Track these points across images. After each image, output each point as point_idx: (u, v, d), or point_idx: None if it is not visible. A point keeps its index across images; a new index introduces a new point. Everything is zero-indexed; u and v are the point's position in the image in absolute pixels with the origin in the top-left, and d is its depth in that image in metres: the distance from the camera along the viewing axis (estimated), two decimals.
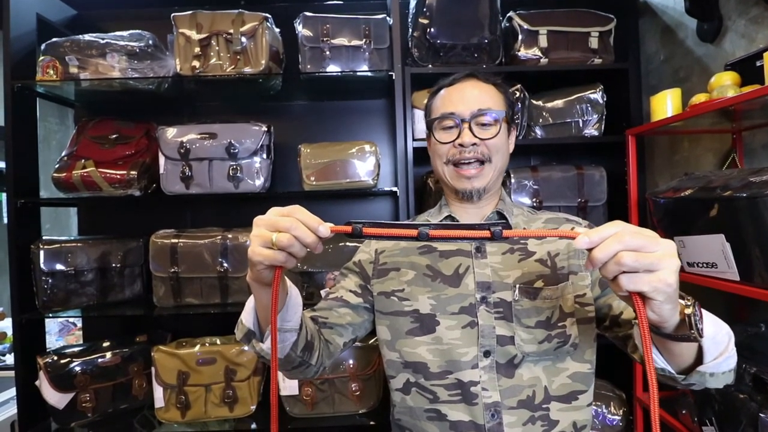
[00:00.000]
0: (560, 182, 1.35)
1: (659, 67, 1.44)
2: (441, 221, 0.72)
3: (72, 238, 1.38)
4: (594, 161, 1.42)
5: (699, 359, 0.48)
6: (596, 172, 1.36)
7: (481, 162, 0.68)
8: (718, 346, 0.48)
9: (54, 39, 1.36)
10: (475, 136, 0.66)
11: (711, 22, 1.18)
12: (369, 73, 1.31)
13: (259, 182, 1.32)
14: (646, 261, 0.38)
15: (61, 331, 2.14)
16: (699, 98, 1.02)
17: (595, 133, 1.38)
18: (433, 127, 0.69)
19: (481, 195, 0.69)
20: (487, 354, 0.62)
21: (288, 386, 1.31)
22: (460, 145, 0.66)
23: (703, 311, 0.46)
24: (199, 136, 1.30)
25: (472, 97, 0.68)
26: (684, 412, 0.98)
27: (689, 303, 0.43)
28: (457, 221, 0.70)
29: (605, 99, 1.39)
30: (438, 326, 0.64)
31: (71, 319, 2.04)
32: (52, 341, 2.04)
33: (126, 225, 1.52)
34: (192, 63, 1.28)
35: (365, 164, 1.32)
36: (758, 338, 0.92)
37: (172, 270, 1.32)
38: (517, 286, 0.64)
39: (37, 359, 1.28)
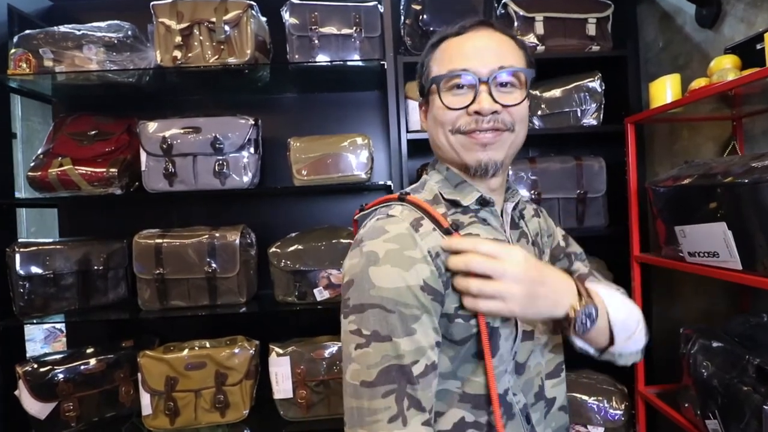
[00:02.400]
0: (559, 173, 1.31)
1: (658, 55, 1.40)
2: (475, 202, 0.56)
3: (50, 240, 1.31)
4: (593, 151, 1.39)
5: (611, 338, 0.53)
6: (595, 163, 1.33)
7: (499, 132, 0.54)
8: (627, 330, 0.53)
9: (27, 31, 1.28)
10: (496, 102, 0.51)
11: (710, 7, 1.14)
12: (360, 63, 1.26)
13: (246, 178, 1.26)
14: (494, 288, 0.45)
15: (47, 338, 2.06)
16: (699, 83, 0.98)
17: (594, 122, 1.34)
18: (440, 87, 0.53)
19: (497, 169, 0.54)
20: (513, 355, 0.55)
21: (282, 389, 1.27)
22: (477, 113, 0.52)
23: (617, 296, 0.54)
24: (182, 131, 1.24)
25: (490, 50, 0.52)
26: (687, 405, 0.95)
27: (577, 307, 0.48)
28: (492, 202, 0.56)
29: (603, 88, 1.35)
30: (500, 339, 0.52)
31: (58, 326, 1.97)
32: (37, 349, 1.97)
33: (109, 225, 1.45)
34: (173, 53, 1.21)
35: (358, 158, 1.27)
36: (761, 329, 0.89)
37: (157, 272, 1.26)
38: None
39: (16, 368, 1.22)
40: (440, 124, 0.55)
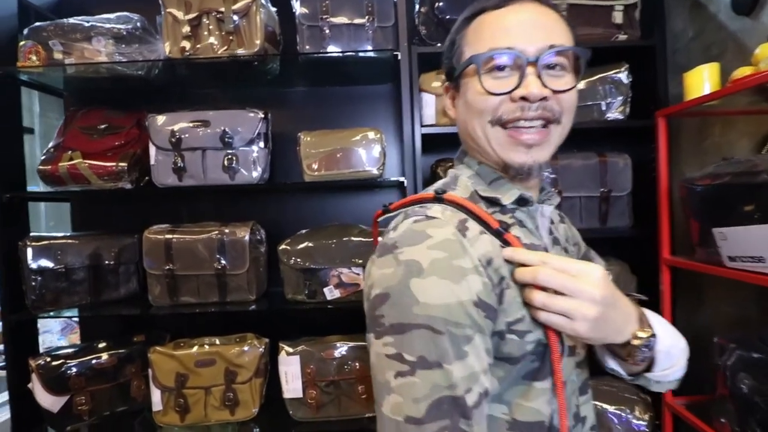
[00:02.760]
0: (581, 171, 1.24)
1: (688, 45, 1.31)
2: (513, 202, 0.50)
3: (61, 234, 1.31)
4: (617, 148, 1.32)
5: (649, 364, 0.49)
6: (620, 160, 1.26)
7: (546, 123, 0.46)
8: (671, 359, 0.48)
9: (37, 23, 1.27)
10: (545, 86, 0.44)
11: None
12: (372, 54, 1.21)
13: (256, 173, 1.23)
14: (562, 306, 0.41)
15: (64, 330, 2.09)
16: (743, 71, 0.91)
17: (620, 116, 1.27)
18: (479, 69, 0.45)
19: (540, 172, 0.49)
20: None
21: (291, 389, 1.25)
22: (523, 98, 0.44)
23: (663, 323, 0.49)
24: (191, 124, 1.22)
25: (537, 26, 0.45)
26: (722, 420, 0.89)
27: (642, 335, 0.44)
28: (531, 201, 0.50)
29: (630, 79, 1.27)
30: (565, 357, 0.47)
31: (74, 318, 1.99)
32: (54, 340, 2.00)
33: (120, 220, 1.45)
34: (181, 44, 1.18)
35: (370, 153, 1.23)
36: None
37: (167, 267, 1.24)
38: None
39: (29, 361, 1.23)
40: (477, 112, 0.47)
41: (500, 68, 0.45)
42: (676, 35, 1.33)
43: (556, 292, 0.41)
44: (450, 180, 0.52)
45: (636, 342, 0.44)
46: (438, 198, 0.46)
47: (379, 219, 0.51)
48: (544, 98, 0.44)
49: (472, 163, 0.52)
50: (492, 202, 0.49)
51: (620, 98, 1.26)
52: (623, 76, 1.26)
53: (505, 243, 0.44)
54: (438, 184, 0.52)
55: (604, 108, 1.27)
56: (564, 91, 0.46)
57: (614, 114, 1.27)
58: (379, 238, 0.48)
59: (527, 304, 0.43)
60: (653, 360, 0.48)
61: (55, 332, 2.02)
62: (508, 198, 0.49)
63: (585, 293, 0.40)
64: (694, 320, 1.29)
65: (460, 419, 0.37)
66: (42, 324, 2.03)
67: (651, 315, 0.49)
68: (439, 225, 0.42)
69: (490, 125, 0.47)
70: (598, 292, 0.40)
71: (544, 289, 0.41)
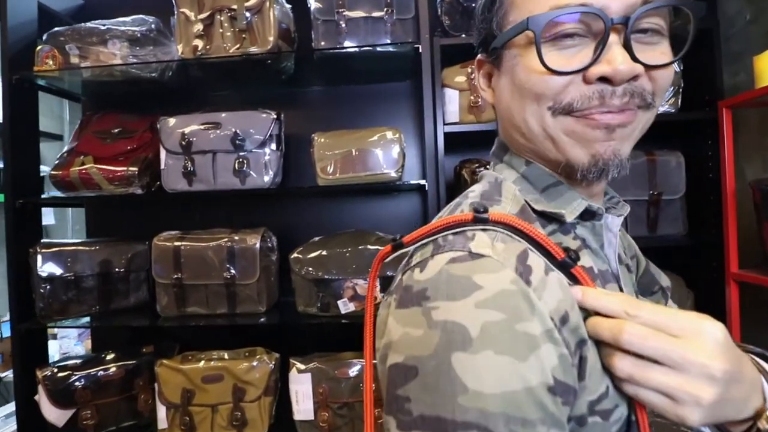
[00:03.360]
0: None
1: (744, 30, 1.16)
2: (577, 216, 0.38)
3: (72, 241, 1.28)
4: (667, 145, 1.17)
5: None
6: (672, 158, 1.11)
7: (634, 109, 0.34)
8: None
9: (55, 28, 1.27)
10: (637, 60, 0.32)
11: None
12: (391, 48, 1.13)
13: (267, 177, 1.16)
14: (660, 383, 0.28)
15: (81, 335, 2.09)
16: None
17: (671, 109, 1.13)
18: (537, 36, 0.32)
19: (620, 171, 0.35)
20: None
21: (302, 410, 1.15)
22: (603, 79, 0.32)
23: None
24: (201, 127, 1.16)
25: None
26: None
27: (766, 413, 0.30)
28: (600, 216, 0.38)
29: (682, 68, 1.13)
30: None
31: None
32: (71, 346, 2.00)
33: (133, 226, 1.41)
34: (194, 43, 1.14)
35: (388, 154, 1.13)
36: None
37: (176, 276, 1.19)
38: None
39: (36, 372, 1.19)
40: (532, 97, 0.34)
41: (568, 35, 0.32)
42: (730, 19, 1.19)
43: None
44: (491, 187, 0.37)
45: (763, 424, 0.30)
46: (480, 219, 0.32)
47: (387, 260, 0.36)
48: (636, 77, 0.32)
49: (517, 162, 0.39)
50: (549, 218, 0.36)
51: (671, 89, 1.12)
52: (675, 64, 1.12)
53: (572, 279, 0.32)
54: (475, 193, 0.37)
55: None
56: (662, 66, 0.33)
57: (664, 107, 1.13)
58: (399, 274, 0.34)
59: (607, 368, 0.31)
60: None
61: (72, 338, 2.02)
62: (571, 212, 0.36)
63: (697, 366, 0.28)
64: (763, 341, 1.11)
65: None
66: (61, 330, 2.04)
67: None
68: (492, 268, 0.29)
69: (551, 114, 0.34)
70: (717, 365, 0.27)
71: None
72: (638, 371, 0.29)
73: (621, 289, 0.38)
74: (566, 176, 0.37)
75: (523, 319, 0.28)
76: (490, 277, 0.29)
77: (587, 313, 0.31)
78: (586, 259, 0.36)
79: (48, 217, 2.29)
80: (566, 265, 0.31)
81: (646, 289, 0.46)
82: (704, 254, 1.10)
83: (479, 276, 0.29)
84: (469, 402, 0.26)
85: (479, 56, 0.41)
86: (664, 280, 0.47)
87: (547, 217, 0.37)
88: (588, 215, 0.37)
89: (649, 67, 0.32)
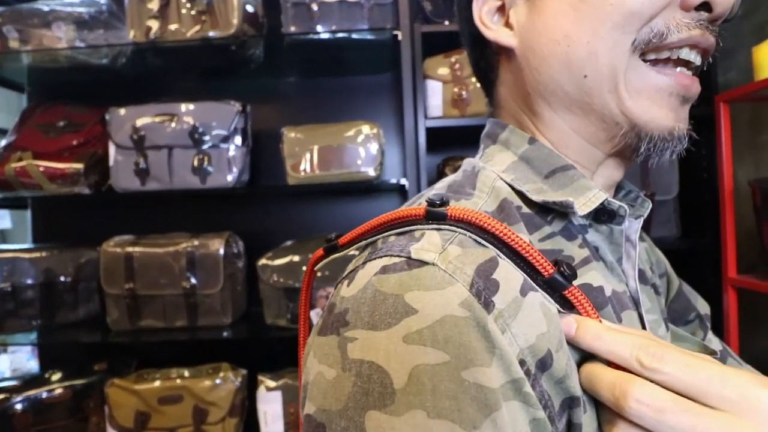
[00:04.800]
0: None
1: (736, 25, 1.13)
2: (592, 211, 0.28)
3: (11, 247, 1.14)
4: None
5: None
6: None
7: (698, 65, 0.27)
8: None
9: None
10: None
11: None
12: (369, 34, 1.03)
13: (231, 176, 1.05)
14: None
15: (34, 351, 1.92)
16: None
17: None
18: None
19: (680, 145, 0.27)
20: None
21: (271, 431, 1.05)
22: (704, 5, 0.26)
23: None
24: (156, 119, 1.04)
25: None
26: None
27: None
28: (622, 218, 0.28)
29: None
30: None
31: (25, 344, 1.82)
32: (23, 362, 1.83)
33: (85, 230, 1.27)
34: (147, 23, 1.02)
35: (365, 150, 1.04)
36: None
37: (127, 286, 1.06)
38: None
39: None
40: (616, 20, 0.25)
41: None
42: None
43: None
44: (464, 177, 0.29)
45: None
46: (434, 215, 0.23)
47: (319, 266, 0.28)
48: (728, 19, 0.26)
49: (518, 139, 0.30)
50: (548, 216, 0.27)
51: None
52: None
53: (565, 304, 0.22)
54: (441, 184, 0.29)
55: None
56: (728, 19, 0.27)
57: None
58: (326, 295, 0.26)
59: None
60: None
61: (25, 351, 1.85)
62: (585, 204, 0.26)
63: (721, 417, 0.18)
64: (759, 348, 1.06)
65: None
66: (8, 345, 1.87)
67: None
68: (434, 283, 0.20)
69: (632, 49, 0.25)
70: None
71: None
72: None
73: (641, 318, 0.28)
74: (617, 152, 0.28)
75: (475, 363, 0.19)
76: (429, 297, 0.20)
77: (584, 355, 0.22)
78: (593, 276, 0.26)
79: (5, 220, 2.11)
80: (556, 284, 0.21)
81: (678, 317, 0.36)
82: (699, 258, 1.05)
83: (414, 294, 0.20)
84: None
85: None
86: (702, 305, 0.37)
87: (545, 215, 0.27)
88: (604, 215, 0.28)
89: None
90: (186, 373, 1.09)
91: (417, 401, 0.18)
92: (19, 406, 1.08)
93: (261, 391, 1.06)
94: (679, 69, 0.27)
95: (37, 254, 1.14)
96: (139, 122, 1.05)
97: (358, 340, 0.20)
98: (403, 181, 1.04)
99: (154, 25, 1.03)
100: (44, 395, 1.11)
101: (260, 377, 1.07)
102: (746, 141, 1.09)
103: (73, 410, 1.13)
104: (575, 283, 0.22)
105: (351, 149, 1.04)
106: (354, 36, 1.04)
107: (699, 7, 0.25)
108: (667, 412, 0.18)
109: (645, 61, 0.26)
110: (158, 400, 1.05)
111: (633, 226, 0.30)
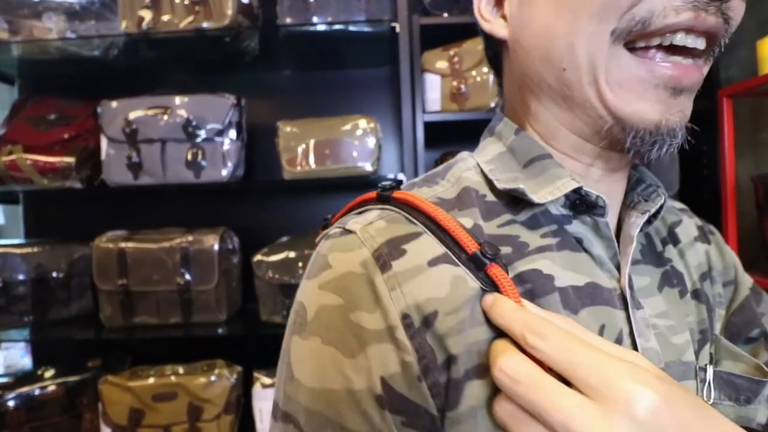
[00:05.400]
0: None
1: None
2: (564, 203, 0.29)
3: (2, 242, 1.13)
4: None
5: None
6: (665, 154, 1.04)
7: (704, 51, 0.26)
8: None
9: None
10: None
11: None
12: (366, 27, 1.02)
13: (226, 171, 1.04)
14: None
15: (28, 347, 1.90)
16: None
17: None
18: None
19: (670, 147, 0.26)
20: None
21: (266, 428, 1.04)
22: None
23: None
24: (149, 112, 1.02)
25: None
26: None
27: None
28: (602, 208, 0.27)
29: None
30: None
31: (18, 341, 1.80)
32: (16, 359, 1.81)
33: (78, 226, 1.26)
34: (139, 13, 1.00)
35: (362, 145, 1.03)
36: None
37: (121, 282, 1.05)
38: (710, 370, 0.29)
39: None
40: (594, 11, 0.24)
41: None
42: None
43: None
44: (443, 168, 0.31)
45: None
46: (382, 197, 0.27)
47: (319, 239, 0.30)
48: None
49: (508, 130, 0.30)
50: (514, 200, 0.28)
51: None
52: None
53: (489, 285, 0.24)
54: (423, 175, 0.32)
55: None
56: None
57: None
58: None
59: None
60: None
61: (19, 348, 1.83)
62: (548, 192, 0.26)
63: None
64: None
65: None
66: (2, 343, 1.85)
67: None
68: (348, 247, 0.25)
69: (612, 39, 0.24)
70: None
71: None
72: (513, 425, 0.20)
73: (629, 320, 0.27)
74: (608, 145, 0.27)
75: (360, 308, 0.24)
76: (341, 257, 0.25)
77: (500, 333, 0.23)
78: (545, 264, 0.26)
79: None
80: (477, 261, 0.24)
81: (737, 332, 0.33)
82: None
83: (334, 255, 0.26)
84: (292, 391, 0.25)
85: None
86: None
87: (516, 204, 0.28)
88: (586, 204, 0.27)
89: None
90: (180, 370, 1.08)
91: (316, 330, 0.24)
92: (11, 403, 1.06)
93: (256, 388, 1.05)
94: (674, 57, 0.25)
95: (28, 249, 1.12)
96: (132, 115, 1.03)
97: (300, 286, 0.27)
98: (401, 176, 1.03)
99: (147, 15, 1.01)
100: (37, 392, 1.10)
101: (255, 374, 1.06)
102: (746, 138, 1.08)
103: (66, 407, 1.12)
104: (523, 269, 0.25)
105: (348, 143, 1.03)
106: (351, 28, 1.02)
107: None
108: (521, 384, 0.20)
109: (635, 49, 0.25)
110: (152, 397, 1.04)
111: (635, 222, 0.29)
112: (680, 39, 0.24)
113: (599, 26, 0.24)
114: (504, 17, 0.29)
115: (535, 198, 0.26)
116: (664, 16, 0.23)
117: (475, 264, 0.24)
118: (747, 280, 0.36)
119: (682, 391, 0.20)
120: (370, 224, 0.26)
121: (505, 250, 0.26)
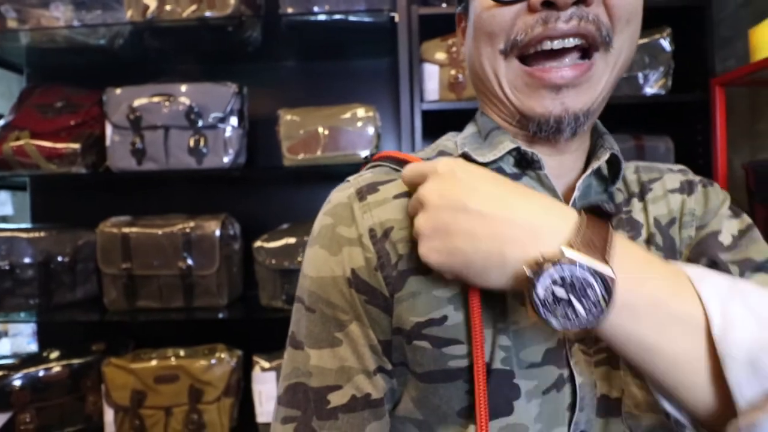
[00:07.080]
0: None
1: (735, 13, 1.12)
2: (498, 159, 0.36)
3: (9, 226, 1.15)
4: (656, 129, 1.11)
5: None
6: (660, 143, 1.06)
7: (585, 51, 0.31)
8: (760, 373, 0.22)
9: None
10: None
11: None
12: (366, 17, 1.03)
13: (228, 158, 1.06)
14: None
15: (35, 333, 1.94)
16: None
17: (660, 91, 1.06)
18: None
19: (578, 127, 0.32)
20: None
21: (266, 411, 1.06)
22: (548, 3, 0.30)
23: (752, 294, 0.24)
24: (153, 99, 1.05)
25: None
26: None
27: (541, 262, 0.24)
28: (538, 162, 0.34)
29: (673, 47, 1.07)
30: (518, 399, 0.31)
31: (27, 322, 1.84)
32: (23, 345, 1.85)
33: (84, 211, 1.28)
34: (144, 2, 1.02)
35: (361, 133, 1.04)
36: None
37: (124, 266, 1.07)
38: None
39: None
40: (485, 37, 0.33)
41: None
42: (721, 2, 1.13)
43: None
44: (429, 146, 0.42)
45: (527, 271, 0.25)
46: (368, 159, 0.40)
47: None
48: (582, 0, 0.29)
49: (478, 116, 0.40)
50: (487, 164, 0.36)
51: (661, 69, 1.06)
52: (665, 42, 1.06)
53: None
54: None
55: (641, 81, 1.06)
56: None
57: (653, 88, 1.07)
58: None
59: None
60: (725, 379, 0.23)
61: (26, 335, 1.87)
62: (488, 154, 0.35)
63: (418, 196, 0.30)
64: None
65: (313, 417, 0.32)
66: (12, 327, 1.89)
67: (722, 279, 0.25)
68: (343, 188, 0.36)
69: (503, 57, 0.33)
70: (426, 190, 0.29)
71: None
72: (414, 213, 0.31)
73: None
74: (523, 129, 0.35)
75: (343, 224, 0.34)
76: (337, 195, 0.36)
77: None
78: None
79: (6, 206, 2.12)
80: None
81: (698, 257, 0.35)
82: None
83: (334, 194, 0.36)
84: (302, 281, 0.35)
85: (458, 11, 0.40)
86: (749, 251, 0.34)
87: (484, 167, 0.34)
88: (525, 161, 0.35)
89: None
90: (182, 353, 1.10)
91: (318, 240, 0.35)
92: (17, 383, 1.09)
93: (256, 372, 1.07)
94: (549, 62, 0.32)
95: (35, 234, 1.14)
96: (136, 102, 1.05)
97: (317, 218, 0.37)
98: None
99: (152, 4, 1.03)
100: (42, 373, 1.12)
101: (255, 358, 1.08)
102: (743, 130, 1.09)
103: (70, 388, 1.14)
104: None
105: (347, 132, 1.04)
106: (351, 18, 1.04)
107: (544, 5, 0.30)
108: (407, 175, 0.32)
109: (527, 56, 0.32)
110: (154, 379, 1.06)
111: (584, 178, 0.35)
112: (558, 44, 0.31)
113: (491, 48, 0.34)
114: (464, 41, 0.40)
115: (481, 159, 0.35)
116: (526, 33, 0.31)
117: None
118: (730, 225, 0.35)
119: (480, 169, 0.29)
120: (361, 176, 0.37)
121: None
